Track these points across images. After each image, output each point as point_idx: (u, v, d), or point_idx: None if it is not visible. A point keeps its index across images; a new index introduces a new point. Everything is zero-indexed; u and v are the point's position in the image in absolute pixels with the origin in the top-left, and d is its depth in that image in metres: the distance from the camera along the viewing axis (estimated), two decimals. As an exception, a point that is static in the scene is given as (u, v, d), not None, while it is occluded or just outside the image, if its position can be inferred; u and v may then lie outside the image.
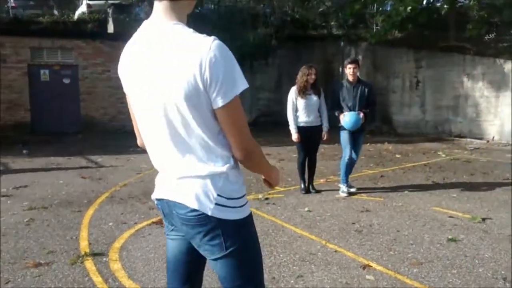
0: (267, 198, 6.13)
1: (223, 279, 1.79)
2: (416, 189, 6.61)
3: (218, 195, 1.69)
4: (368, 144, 11.66)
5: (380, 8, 12.90)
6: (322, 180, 7.34)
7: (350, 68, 6.16)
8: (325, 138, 6.48)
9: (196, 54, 1.54)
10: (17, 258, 4.00)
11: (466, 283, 3.44)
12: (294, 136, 6.36)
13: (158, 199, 1.86)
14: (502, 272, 3.64)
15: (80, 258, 3.98)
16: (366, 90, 6.20)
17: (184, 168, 1.71)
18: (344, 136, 6.33)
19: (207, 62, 1.54)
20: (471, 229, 4.72)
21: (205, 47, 1.55)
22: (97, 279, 3.58)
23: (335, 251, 4.15)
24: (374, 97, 6.41)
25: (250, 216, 1.82)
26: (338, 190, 6.46)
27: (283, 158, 9.48)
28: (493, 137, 12.49)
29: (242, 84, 1.61)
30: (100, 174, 7.97)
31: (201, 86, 1.56)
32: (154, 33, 1.66)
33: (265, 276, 3.49)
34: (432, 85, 14.35)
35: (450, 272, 3.65)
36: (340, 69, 17.54)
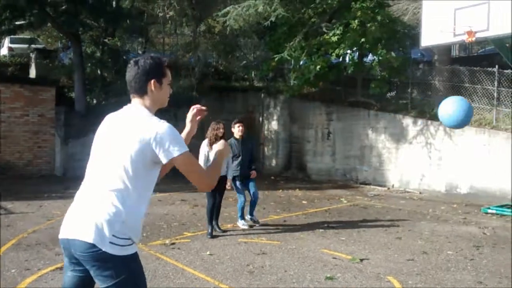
0: (173, 243, 6.53)
1: None
2: (311, 233, 7.29)
3: (113, 235, 2.20)
4: (280, 190, 12.40)
5: (294, 66, 13.98)
6: (229, 225, 7.84)
7: (238, 127, 7.11)
8: (228, 186, 7.10)
9: (155, 128, 2.28)
10: None
11: (329, 314, 4.04)
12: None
13: (63, 237, 2.32)
14: (361, 304, 4.29)
15: (-20, 303, 4.16)
16: (251, 145, 7.18)
17: (103, 203, 2.24)
18: (237, 185, 7.51)
19: (161, 133, 2.26)
20: (348, 269, 5.40)
21: (162, 126, 2.29)
22: (-6, 321, 3.79)
23: (225, 290, 4.63)
24: (255, 151, 7.50)
25: (136, 253, 2.32)
26: (242, 234, 6.99)
27: (197, 204, 9.89)
28: (393, 185, 13.70)
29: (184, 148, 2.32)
30: (9, 221, 7.96)
31: (153, 146, 2.25)
32: (128, 114, 2.42)
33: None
34: (341, 136, 15.54)
35: (319, 305, 4.24)
36: (260, 119, 18.54)
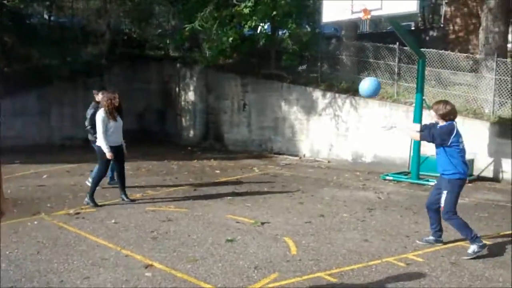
0: (78, 213, 6.47)
1: None
2: (219, 200, 7.52)
3: None
4: (195, 160, 12.52)
5: (208, 36, 13.93)
6: (138, 195, 7.86)
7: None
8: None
9: None
10: None
11: (225, 272, 4.29)
12: (109, 154, 6.83)
13: None
14: (255, 262, 4.58)
15: None
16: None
17: None
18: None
19: None
20: (249, 232, 5.70)
21: None
22: None
23: (126, 255, 4.73)
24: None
25: None
26: (150, 203, 7.08)
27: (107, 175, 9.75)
28: (304, 154, 14.32)
29: None
30: None
31: None
32: None
33: (54, 279, 3.93)
34: (256, 108, 15.85)
35: (216, 265, 4.48)
36: (177, 89, 18.37)
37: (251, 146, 15.96)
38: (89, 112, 7.78)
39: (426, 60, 11.55)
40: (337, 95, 13.68)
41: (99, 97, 7.65)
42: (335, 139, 13.76)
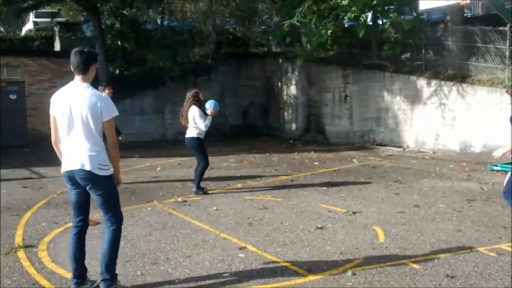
0: (185, 201, 7.15)
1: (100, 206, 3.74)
2: (315, 190, 7.78)
3: (99, 163, 3.62)
4: (296, 153, 12.88)
5: (307, 30, 14.13)
6: (239, 185, 8.41)
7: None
8: None
9: (98, 98, 3.62)
10: (-41, 251, 4.86)
11: (311, 256, 4.58)
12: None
13: (66, 171, 3.68)
14: (342, 248, 4.80)
15: (13, 250, 4.88)
16: None
17: (84, 149, 3.59)
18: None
19: (103, 102, 3.61)
20: (339, 220, 5.90)
21: (102, 96, 3.68)
22: (25, 263, 4.50)
23: (224, 238, 5.22)
24: None
25: (112, 174, 3.74)
26: (249, 192, 7.59)
27: (213, 167, 10.45)
28: (408, 145, 13.97)
29: (115, 113, 3.70)
30: (41, 184, 8.77)
31: (99, 109, 3.58)
32: (76, 88, 3.66)
33: (161, 257, 4.53)
34: (358, 99, 15.77)
35: (304, 250, 4.78)
36: (279, 84, 18.87)
37: (353, 138, 15.92)
38: None
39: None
40: (442, 82, 13.16)
41: (105, 92, 8.06)
42: (442, 128, 13.24)
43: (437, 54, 14.07)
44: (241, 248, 4.84)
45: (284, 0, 14.98)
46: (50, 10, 18.63)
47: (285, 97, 18.71)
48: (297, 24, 12.90)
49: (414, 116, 14.07)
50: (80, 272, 3.80)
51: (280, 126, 19.00)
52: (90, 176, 3.60)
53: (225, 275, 4.16)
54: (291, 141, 16.23)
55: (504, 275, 4.05)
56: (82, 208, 3.80)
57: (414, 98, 13.96)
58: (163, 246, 4.99)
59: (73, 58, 3.64)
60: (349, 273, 4.13)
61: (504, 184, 5.25)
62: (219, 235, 5.32)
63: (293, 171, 9.94)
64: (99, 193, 3.68)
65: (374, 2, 12.57)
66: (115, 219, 3.77)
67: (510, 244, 4.87)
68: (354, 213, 6.24)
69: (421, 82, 13.77)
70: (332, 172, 9.76)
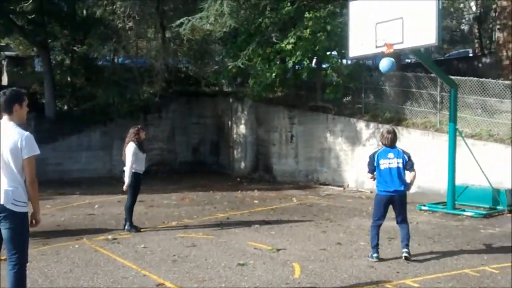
0: (115, 238, 7.18)
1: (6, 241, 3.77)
2: (247, 228, 7.97)
3: (13, 198, 3.71)
4: (239, 191, 13.08)
5: (254, 72, 14.65)
6: (174, 223, 8.50)
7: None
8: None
9: (20, 136, 3.73)
10: None
11: (224, 292, 4.73)
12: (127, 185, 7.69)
13: None
14: (257, 284, 4.98)
15: None
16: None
17: (2, 184, 3.71)
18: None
19: (23, 140, 3.74)
20: (262, 257, 6.10)
21: (25, 135, 3.76)
22: None
23: (144, 275, 5.30)
24: None
25: (27, 212, 3.80)
26: (182, 230, 7.69)
27: (153, 205, 10.54)
28: (348, 185, 14.46)
29: (36, 151, 3.80)
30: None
31: (19, 147, 3.72)
32: (1, 127, 3.81)
33: (75, 293, 4.56)
34: (303, 139, 16.27)
35: (219, 286, 4.94)
36: (230, 123, 19.23)
37: (298, 177, 16.32)
38: None
39: (466, 89, 11.56)
40: (380, 125, 13.81)
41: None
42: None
43: (376, 98, 14.83)
44: (158, 285, 4.95)
45: (233, 42, 15.53)
46: (-1, 44, 18.49)
47: (235, 135, 19.05)
48: (242, 66, 13.37)
49: (354, 157, 14.63)
50: None
51: (229, 164, 19.24)
52: (2, 210, 3.70)
53: (135, 311, 4.25)
54: (238, 179, 16.44)
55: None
56: None
57: (355, 139, 14.57)
58: (82, 283, 5.03)
59: None
60: (255, 307, 4.31)
61: None
62: (140, 272, 5.41)
63: (232, 209, 10.12)
64: (7, 227, 3.73)
65: (317, 47, 13.25)
66: (18, 258, 3.76)
67: (415, 279, 5.19)
68: (278, 250, 6.45)
69: (361, 125, 14.41)
70: (270, 210, 10.00)
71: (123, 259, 5.99)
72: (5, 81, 17.18)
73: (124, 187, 7.70)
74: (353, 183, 14.51)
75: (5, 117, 3.85)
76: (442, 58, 25.29)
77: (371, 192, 13.14)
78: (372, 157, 6.29)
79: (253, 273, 5.39)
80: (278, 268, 5.61)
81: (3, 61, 17.42)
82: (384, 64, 7.84)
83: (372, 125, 14.05)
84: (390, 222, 7.89)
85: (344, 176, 14.86)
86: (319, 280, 5.16)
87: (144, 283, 5.02)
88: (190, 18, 12.39)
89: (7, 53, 17.88)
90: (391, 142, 6.22)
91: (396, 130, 13.03)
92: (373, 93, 14.86)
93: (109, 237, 7.26)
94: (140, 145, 7.78)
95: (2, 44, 18.28)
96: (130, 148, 7.70)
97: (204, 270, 5.51)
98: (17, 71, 16.90)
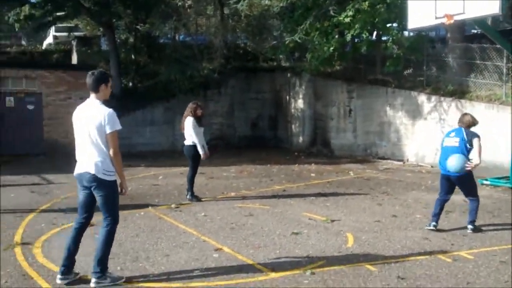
0: (178, 207, 7.61)
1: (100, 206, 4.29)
2: (302, 200, 8.16)
3: (103, 169, 4.17)
4: (296, 165, 13.25)
5: (311, 46, 14.57)
6: (233, 193, 8.84)
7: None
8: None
9: (104, 113, 4.13)
10: (-36, 246, 5.39)
11: (279, 258, 4.97)
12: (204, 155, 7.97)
13: (77, 174, 4.31)
14: (310, 252, 5.18)
15: (11, 246, 5.39)
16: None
17: (92, 156, 4.17)
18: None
19: (107, 117, 4.13)
20: (316, 227, 6.28)
21: (108, 112, 4.16)
22: (20, 257, 4.99)
23: (204, 240, 5.64)
24: None
25: (115, 180, 4.30)
26: (240, 200, 8.01)
27: (213, 176, 10.96)
28: (408, 159, 14.22)
29: (118, 127, 4.20)
30: (48, 189, 9.34)
31: (103, 123, 4.12)
32: (89, 105, 4.28)
33: (142, 255, 4.98)
34: (362, 113, 16.11)
35: (274, 252, 5.17)
36: (288, 97, 19.33)
37: (357, 151, 16.23)
38: None
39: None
40: (442, 98, 13.42)
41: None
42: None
43: (438, 70, 14.35)
44: (216, 249, 5.26)
45: (290, 17, 15.49)
46: (69, 25, 19.52)
47: (293, 110, 19.15)
48: (299, 41, 13.35)
49: (415, 131, 14.33)
50: (69, 262, 4.30)
51: (288, 138, 19.43)
52: (94, 179, 4.17)
53: (195, 272, 4.58)
54: (296, 153, 16.61)
55: (450, 278, 4.38)
56: (86, 208, 4.36)
57: (415, 113, 14.24)
58: (147, 246, 5.44)
59: (87, 79, 4.29)
60: (308, 272, 4.51)
61: None
62: (200, 238, 5.75)
63: (288, 181, 10.33)
64: (100, 194, 4.24)
65: (376, 20, 12.97)
66: (110, 220, 4.29)
67: (469, 251, 5.18)
68: (332, 221, 6.60)
69: (422, 98, 14.05)
70: (326, 183, 10.11)
71: (184, 225, 6.38)
72: (74, 60, 18.16)
73: (203, 156, 8.07)
74: (413, 157, 14.27)
75: (92, 96, 4.30)
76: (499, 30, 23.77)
77: (432, 167, 12.89)
78: None
79: (306, 242, 5.58)
80: (331, 237, 5.77)
81: (72, 41, 18.40)
82: (453, 163, 6.15)
83: (433, 98, 13.66)
84: (458, 196, 7.80)
85: (404, 150, 14.63)
86: (372, 249, 5.27)
87: (204, 247, 5.35)
88: (247, -7, 12.51)
89: (76, 33, 18.86)
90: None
91: (459, 104, 12.93)
92: (436, 65, 14.39)
93: (172, 205, 7.70)
94: (198, 120, 8.10)
95: (71, 25, 19.32)
96: (188, 122, 8.06)
97: (259, 237, 5.77)
98: (85, 50, 17.80)
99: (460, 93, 13.07)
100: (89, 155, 4.20)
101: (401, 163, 14.04)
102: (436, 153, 13.61)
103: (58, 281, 4.25)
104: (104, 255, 4.26)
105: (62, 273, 4.27)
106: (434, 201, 6.33)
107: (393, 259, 4.91)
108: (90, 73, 4.31)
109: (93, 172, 4.16)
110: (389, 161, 14.50)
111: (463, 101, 12.86)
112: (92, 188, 4.23)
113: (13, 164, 13.26)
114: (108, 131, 4.15)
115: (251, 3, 12.80)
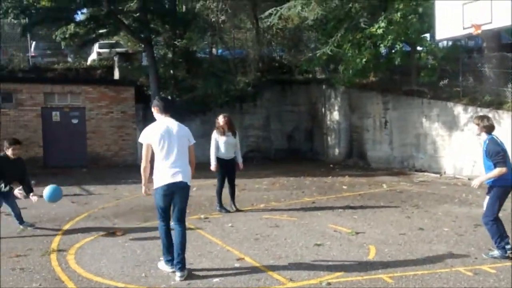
0: (207, 218, 7.84)
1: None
2: (330, 212, 8.21)
3: (188, 176, 4.98)
4: (330, 177, 13.27)
5: (344, 58, 14.61)
6: (262, 205, 9.00)
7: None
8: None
9: (184, 128, 5.05)
10: (5, 252, 5.79)
11: (298, 269, 5.08)
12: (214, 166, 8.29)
13: (170, 183, 4.83)
14: (330, 263, 5.25)
15: (48, 252, 5.75)
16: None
17: (184, 166, 4.91)
18: None
19: (187, 131, 5.07)
20: (340, 239, 6.34)
21: (185, 127, 5.12)
22: (54, 263, 5.33)
23: (228, 250, 5.82)
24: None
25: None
26: (268, 212, 8.16)
27: (245, 188, 11.15)
28: (445, 171, 13.96)
29: (193, 141, 5.13)
30: (88, 200, 9.80)
31: (187, 138, 5.03)
32: (171, 122, 5.00)
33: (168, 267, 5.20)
34: (397, 125, 15.96)
35: (295, 263, 5.29)
36: (323, 110, 19.37)
37: (393, 163, 16.06)
38: None
39: None
40: (479, 109, 13.14)
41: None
42: (479, 155, 13.15)
43: (474, 80, 14.09)
44: (238, 259, 5.43)
45: (323, 29, 15.62)
46: (111, 42, 20.39)
47: (328, 122, 19.17)
48: (330, 53, 13.45)
49: (452, 142, 14.09)
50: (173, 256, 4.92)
51: (323, 150, 19.43)
52: (184, 186, 4.91)
53: (215, 280, 4.76)
54: (331, 165, 16.59)
55: (469, 292, 4.37)
56: (169, 211, 5.01)
57: (452, 124, 14.01)
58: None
59: (157, 103, 5.06)
60: (324, 283, 4.60)
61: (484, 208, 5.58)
62: (224, 248, 5.94)
63: (319, 193, 10.39)
64: (184, 198, 5.01)
65: (409, 31, 12.92)
66: (184, 221, 5.02)
67: (492, 265, 5.12)
68: (357, 233, 6.64)
69: (458, 109, 13.82)
70: (357, 195, 10.11)
71: (211, 235, 6.59)
72: (116, 75, 18.92)
73: (212, 167, 8.41)
74: (450, 169, 14.00)
75: (168, 115, 5.01)
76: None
77: (469, 179, 12.60)
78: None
79: (328, 253, 5.66)
80: (353, 249, 5.82)
81: (114, 57, 19.19)
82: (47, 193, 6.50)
83: (470, 109, 13.41)
84: (480, 209, 7.68)
85: (441, 163, 14.38)
86: (392, 262, 5.29)
87: (226, 257, 5.54)
88: (278, 8, 12.74)
89: (118, 49, 19.67)
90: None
91: (497, 114, 12.63)
92: (472, 75, 14.13)
93: (202, 216, 7.94)
94: (222, 130, 8.28)
95: (113, 41, 20.17)
96: (213, 135, 8.32)
97: (282, 248, 5.90)
98: (126, 66, 18.53)
99: (498, 103, 12.78)
100: (181, 166, 4.86)
101: (438, 175, 13.80)
102: (473, 165, 13.34)
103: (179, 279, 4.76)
104: (184, 249, 4.88)
105: (180, 269, 4.83)
106: (464, 215, 6.23)
107: (412, 272, 4.92)
108: (157, 97, 5.28)
109: (186, 180, 4.87)
110: (425, 173, 14.28)
111: (500, 111, 12.56)
112: (177, 194, 4.87)
113: (58, 176, 13.92)
114: (191, 143, 5.05)
115: (286, 16, 12.95)
